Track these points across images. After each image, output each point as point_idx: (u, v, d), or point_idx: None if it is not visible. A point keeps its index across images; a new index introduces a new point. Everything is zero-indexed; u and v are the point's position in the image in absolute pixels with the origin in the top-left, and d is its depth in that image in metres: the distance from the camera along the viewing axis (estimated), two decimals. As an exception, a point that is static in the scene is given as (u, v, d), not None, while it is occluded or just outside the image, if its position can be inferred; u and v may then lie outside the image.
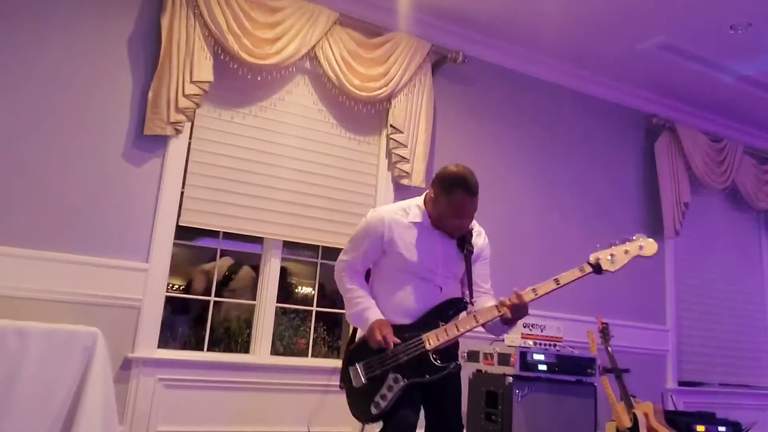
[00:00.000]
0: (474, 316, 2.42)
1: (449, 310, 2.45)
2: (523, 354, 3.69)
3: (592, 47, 4.78)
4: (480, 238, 2.62)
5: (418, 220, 2.51)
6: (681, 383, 5.28)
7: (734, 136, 5.95)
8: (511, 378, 3.64)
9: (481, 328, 2.49)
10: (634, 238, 2.46)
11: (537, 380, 3.72)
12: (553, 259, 4.41)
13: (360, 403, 2.38)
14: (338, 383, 2.52)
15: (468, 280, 2.51)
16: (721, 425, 4.54)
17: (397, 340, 2.36)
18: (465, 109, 4.69)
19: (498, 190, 4.63)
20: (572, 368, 3.86)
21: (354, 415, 2.42)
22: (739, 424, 4.61)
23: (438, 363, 2.36)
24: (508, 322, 2.43)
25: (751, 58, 4.75)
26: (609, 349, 4.20)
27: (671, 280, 5.42)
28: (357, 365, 2.42)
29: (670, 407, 4.89)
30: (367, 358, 2.40)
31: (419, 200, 2.57)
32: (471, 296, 2.51)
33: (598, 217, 5.08)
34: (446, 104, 4.58)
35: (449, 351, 2.45)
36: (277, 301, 3.96)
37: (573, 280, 2.40)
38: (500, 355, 3.77)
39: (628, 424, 4.05)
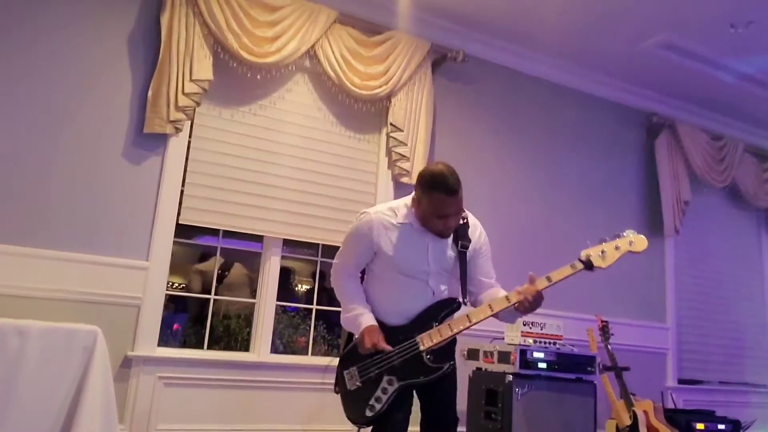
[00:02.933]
0: (467, 315, 2.39)
1: (442, 311, 2.44)
2: (523, 352, 3.69)
3: (592, 46, 4.77)
4: (476, 232, 2.57)
5: (406, 221, 2.48)
6: (681, 381, 5.28)
7: (734, 134, 5.94)
8: (511, 376, 3.64)
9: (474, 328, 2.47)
10: (624, 234, 2.42)
11: (537, 378, 3.72)
12: (552, 258, 4.37)
13: (355, 407, 2.38)
14: (333, 385, 2.51)
15: (462, 277, 2.48)
16: (721, 423, 4.54)
17: (388, 347, 2.34)
18: (465, 108, 4.69)
19: (497, 189, 4.63)
20: (572, 366, 3.86)
21: (349, 418, 2.41)
22: (738, 422, 4.62)
23: (432, 364, 2.36)
24: (526, 311, 2.38)
25: (752, 56, 4.76)
26: (609, 347, 4.21)
27: (671, 278, 5.43)
28: (351, 369, 2.41)
29: (670, 405, 4.88)
30: (361, 362, 2.39)
31: (408, 199, 2.54)
32: (464, 295, 2.48)
33: (598, 216, 5.07)
34: (446, 103, 4.58)
35: (444, 350, 2.42)
36: (277, 300, 3.96)
37: (564, 278, 2.37)
38: (500, 353, 3.77)
39: (627, 422, 4.05)
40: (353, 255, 2.55)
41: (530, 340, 3.82)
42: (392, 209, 2.52)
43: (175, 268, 4.04)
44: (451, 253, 2.49)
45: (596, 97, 5.32)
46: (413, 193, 2.50)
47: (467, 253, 2.50)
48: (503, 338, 3.92)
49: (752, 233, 6.13)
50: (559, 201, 4.95)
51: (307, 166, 4.07)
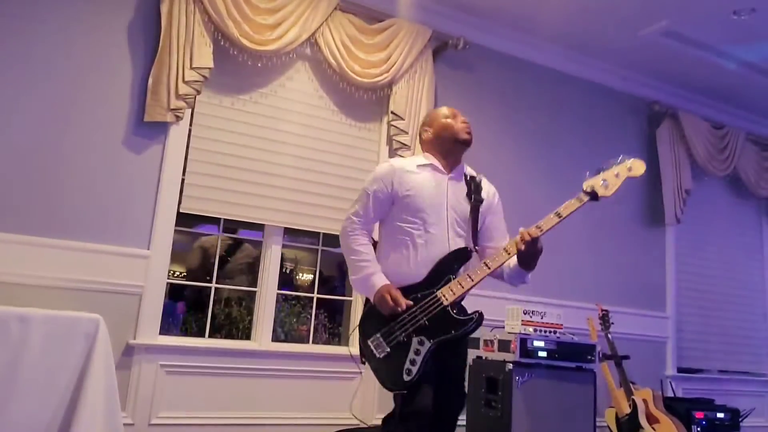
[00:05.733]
0: (485, 263, 2.35)
1: (455, 262, 2.39)
2: (523, 341, 3.70)
3: (594, 33, 4.75)
4: (490, 191, 2.64)
5: (425, 162, 2.56)
6: (680, 370, 5.30)
7: (736, 123, 5.91)
8: (511, 364, 3.65)
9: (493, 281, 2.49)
10: (619, 160, 2.47)
11: (537, 367, 3.73)
12: (554, 243, 4.40)
13: (389, 374, 2.27)
14: (359, 360, 2.40)
15: (473, 229, 2.47)
16: (720, 412, 4.57)
17: (410, 302, 2.29)
18: (466, 96, 4.66)
19: (499, 177, 4.57)
20: (572, 355, 3.86)
21: (386, 387, 2.30)
22: (737, 411, 4.64)
23: (459, 317, 2.31)
24: (525, 263, 2.38)
25: (754, 43, 4.73)
26: (609, 336, 4.22)
27: (671, 267, 5.43)
28: (375, 336, 2.31)
29: (670, 394, 4.91)
30: (384, 327, 2.31)
31: (418, 154, 2.66)
32: (476, 245, 2.47)
33: (599, 204, 5.04)
34: (447, 90, 4.55)
35: (463, 305, 2.40)
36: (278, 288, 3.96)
37: (573, 211, 2.44)
38: (500, 341, 3.78)
39: (627, 410, 4.07)
40: (371, 199, 2.47)
41: (530, 329, 3.83)
42: (408, 160, 2.63)
43: (176, 257, 4.04)
44: (465, 203, 2.52)
45: (598, 84, 5.29)
46: (421, 150, 2.68)
47: (480, 208, 2.52)
48: (503, 327, 3.93)
49: (753, 222, 6.12)
50: (559, 188, 4.91)
51: (307, 154, 4.06)
